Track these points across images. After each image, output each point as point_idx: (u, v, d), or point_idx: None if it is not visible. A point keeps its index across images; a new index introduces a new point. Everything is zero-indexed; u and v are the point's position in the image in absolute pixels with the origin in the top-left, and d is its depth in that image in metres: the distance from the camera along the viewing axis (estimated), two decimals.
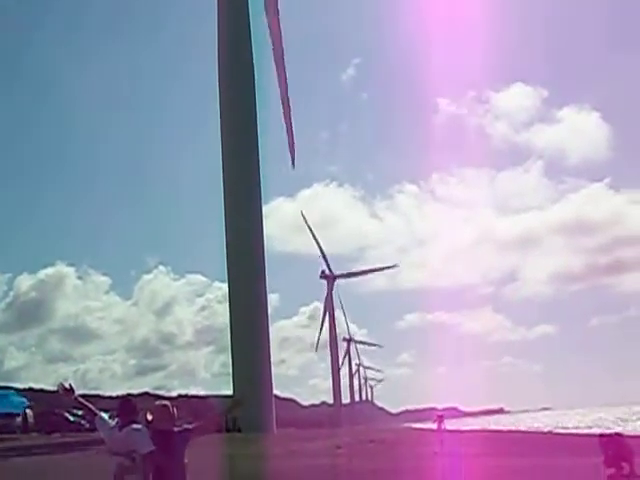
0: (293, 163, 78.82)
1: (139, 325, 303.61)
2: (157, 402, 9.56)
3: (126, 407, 9.07)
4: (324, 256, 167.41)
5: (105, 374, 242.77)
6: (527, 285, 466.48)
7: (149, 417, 9.17)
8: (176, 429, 9.01)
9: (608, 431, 19.78)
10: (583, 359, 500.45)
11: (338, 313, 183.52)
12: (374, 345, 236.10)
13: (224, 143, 70.15)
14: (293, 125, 76.84)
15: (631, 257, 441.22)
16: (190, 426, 9.12)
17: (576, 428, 62.68)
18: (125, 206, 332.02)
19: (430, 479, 19.18)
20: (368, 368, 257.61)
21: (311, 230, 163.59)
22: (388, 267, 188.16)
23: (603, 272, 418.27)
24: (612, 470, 18.53)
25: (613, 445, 19.05)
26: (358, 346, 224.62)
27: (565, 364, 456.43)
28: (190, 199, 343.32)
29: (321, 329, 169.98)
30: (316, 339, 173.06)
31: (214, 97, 71.52)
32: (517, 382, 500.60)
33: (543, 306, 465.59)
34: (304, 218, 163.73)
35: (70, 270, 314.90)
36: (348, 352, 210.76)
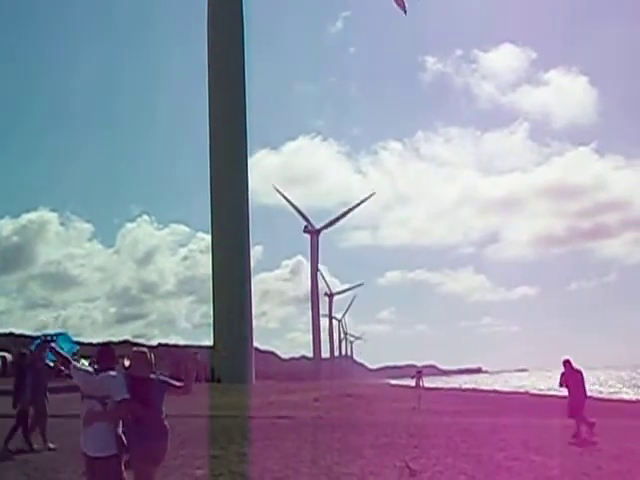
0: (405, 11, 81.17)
1: (121, 273, 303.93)
2: (135, 349, 9.49)
3: (105, 353, 9.00)
4: (303, 216, 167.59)
5: (86, 321, 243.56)
6: (509, 247, 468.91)
7: (126, 363, 9.15)
8: (154, 377, 8.96)
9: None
10: (562, 322, 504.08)
11: (320, 267, 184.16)
12: (353, 288, 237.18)
13: (211, 94, 69.66)
14: None
15: (613, 223, 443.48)
16: (173, 382, 9.05)
17: (549, 390, 63.23)
18: (111, 154, 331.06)
19: (407, 434, 19.27)
20: (352, 336, 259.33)
21: (287, 200, 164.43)
22: (366, 199, 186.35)
23: (585, 236, 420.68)
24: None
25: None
26: (340, 303, 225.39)
27: (544, 326, 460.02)
28: (176, 150, 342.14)
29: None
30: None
31: (202, 47, 70.97)
32: (496, 343, 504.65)
33: (524, 268, 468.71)
34: (278, 191, 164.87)
35: (53, 216, 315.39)
36: (329, 307, 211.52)
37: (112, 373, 8.65)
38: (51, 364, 15.02)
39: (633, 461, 15.31)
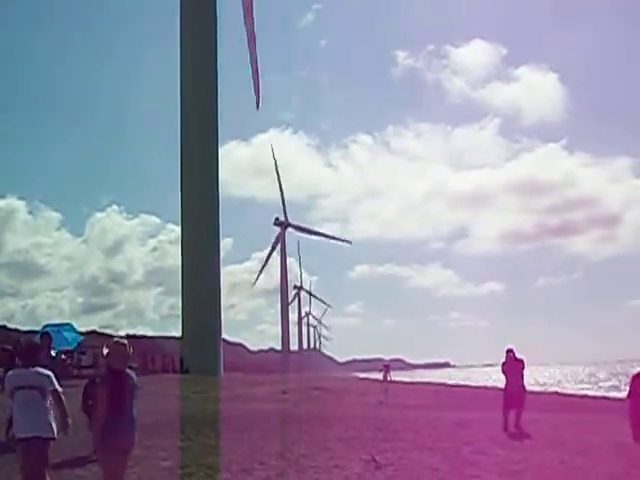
0: (258, 105, 78.10)
1: (89, 263, 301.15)
2: (116, 340, 9.57)
3: (30, 351, 9.73)
4: (283, 203, 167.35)
5: (53, 311, 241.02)
6: (477, 242, 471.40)
7: (105, 351, 9.24)
8: (129, 372, 9.14)
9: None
10: (529, 318, 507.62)
11: (290, 260, 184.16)
12: (324, 303, 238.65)
13: (183, 84, 69.31)
14: (259, 66, 75.81)
15: (581, 219, 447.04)
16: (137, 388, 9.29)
17: None
18: (81, 142, 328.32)
19: (374, 427, 19.37)
20: (320, 323, 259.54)
21: (278, 173, 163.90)
22: (343, 240, 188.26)
23: (553, 233, 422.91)
24: None
25: None
26: (308, 293, 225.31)
27: (511, 322, 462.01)
28: (148, 140, 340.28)
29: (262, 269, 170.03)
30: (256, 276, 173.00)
31: (174, 38, 70.58)
32: (463, 337, 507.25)
33: (492, 263, 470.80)
34: (273, 155, 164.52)
35: (20, 204, 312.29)
36: (298, 300, 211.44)
37: (42, 370, 9.39)
38: (54, 355, 14.99)
39: (597, 456, 15.50)
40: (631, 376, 10.15)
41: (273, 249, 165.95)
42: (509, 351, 21.12)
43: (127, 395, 8.94)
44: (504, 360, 21.21)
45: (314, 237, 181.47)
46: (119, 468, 9.02)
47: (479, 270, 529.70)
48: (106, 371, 9.08)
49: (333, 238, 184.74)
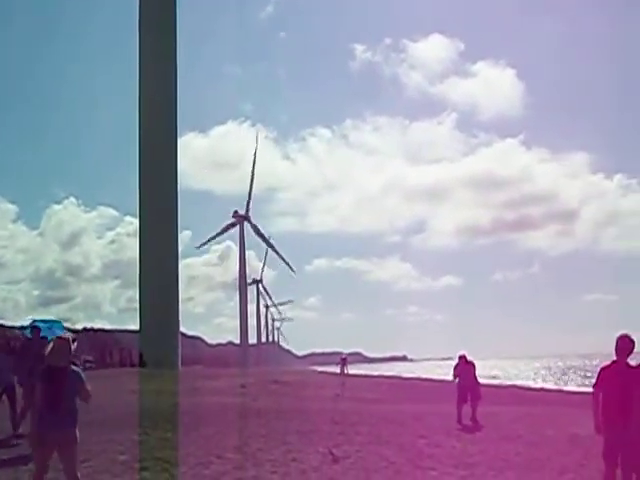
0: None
1: (45, 256, 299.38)
2: (60, 336, 9.56)
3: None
4: (249, 197, 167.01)
5: (8, 304, 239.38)
6: (435, 236, 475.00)
7: (48, 348, 9.21)
8: (74, 368, 9.13)
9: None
10: (486, 312, 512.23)
11: (249, 254, 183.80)
12: (284, 304, 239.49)
13: (142, 75, 68.93)
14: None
15: (538, 215, 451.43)
16: (84, 388, 9.18)
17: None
18: (39, 135, 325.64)
19: (331, 421, 19.44)
20: (276, 309, 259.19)
21: (254, 168, 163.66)
22: (290, 267, 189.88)
23: (510, 228, 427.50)
24: None
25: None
26: (267, 288, 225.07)
27: (468, 316, 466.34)
28: (106, 132, 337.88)
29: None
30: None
31: (134, 29, 70.15)
32: (421, 331, 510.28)
33: (449, 258, 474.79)
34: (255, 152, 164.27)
35: None
36: (257, 293, 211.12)
37: None
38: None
39: (552, 448, 15.69)
40: (599, 368, 10.28)
41: (219, 235, 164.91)
42: (461, 357, 22.02)
43: (64, 391, 8.91)
44: (456, 364, 21.98)
45: (264, 245, 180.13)
46: (66, 463, 9.00)
47: (437, 264, 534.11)
48: (45, 367, 9.08)
49: (283, 259, 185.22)
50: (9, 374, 16.64)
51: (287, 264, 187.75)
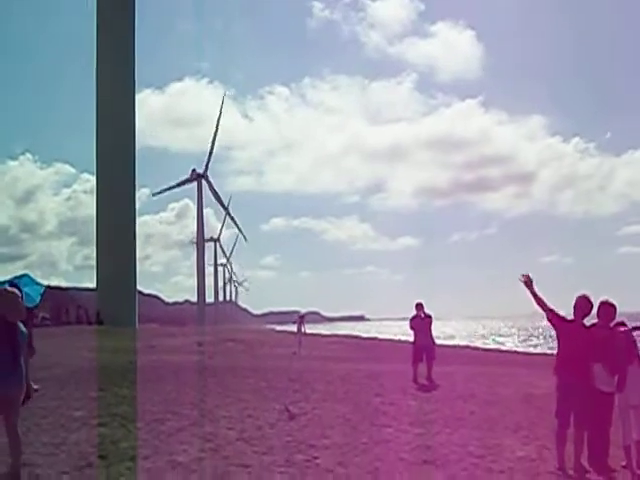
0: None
1: None
2: (7, 289, 9.40)
3: None
4: (210, 156, 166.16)
5: None
6: (393, 196, 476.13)
7: None
8: (20, 326, 8.96)
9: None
10: (443, 273, 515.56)
11: (207, 211, 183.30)
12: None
13: (99, 30, 68.04)
14: None
15: (495, 176, 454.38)
16: (30, 345, 9.07)
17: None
18: None
19: (287, 379, 19.51)
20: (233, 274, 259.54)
21: (217, 127, 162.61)
22: (243, 235, 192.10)
23: (468, 189, 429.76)
24: None
25: None
26: (224, 247, 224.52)
27: (425, 276, 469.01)
28: (64, 88, 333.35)
29: None
30: None
31: None
32: (378, 291, 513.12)
33: (407, 218, 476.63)
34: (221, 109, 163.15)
35: None
36: (215, 252, 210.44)
37: None
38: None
39: (505, 407, 15.89)
40: (561, 317, 10.43)
41: (176, 186, 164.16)
42: (418, 305, 21.52)
43: (13, 348, 8.73)
44: (413, 314, 21.62)
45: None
46: (9, 422, 8.86)
47: (395, 224, 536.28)
48: None
49: (236, 225, 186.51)
50: None
51: (239, 230, 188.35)
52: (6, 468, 8.83)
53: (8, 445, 8.84)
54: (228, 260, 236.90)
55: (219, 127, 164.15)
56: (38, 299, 14.02)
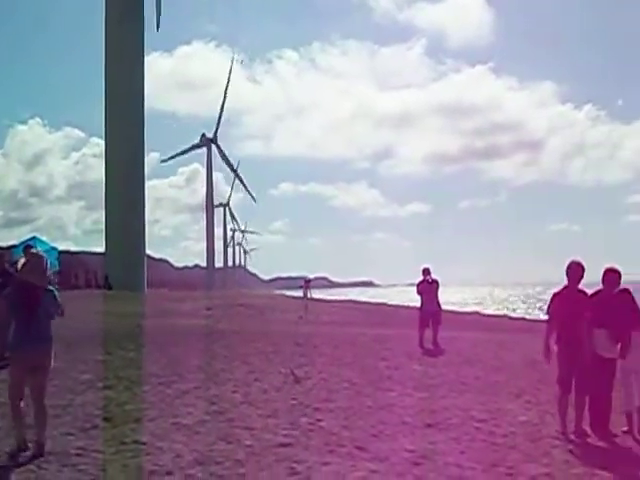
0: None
1: (8, 176, 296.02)
2: (33, 252, 9.35)
3: None
4: (219, 120, 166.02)
5: None
6: (402, 163, 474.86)
7: (20, 264, 9.03)
8: (49, 288, 8.91)
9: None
10: (452, 239, 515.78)
11: (217, 176, 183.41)
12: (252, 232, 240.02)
13: None
14: None
15: (506, 143, 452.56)
16: (59, 307, 8.99)
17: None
18: (2, 55, 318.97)
19: (294, 343, 19.61)
20: (246, 232, 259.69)
21: (227, 89, 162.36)
22: (251, 196, 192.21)
23: (478, 156, 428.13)
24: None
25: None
26: (234, 211, 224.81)
27: (434, 243, 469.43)
28: (72, 52, 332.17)
29: None
30: None
31: None
32: (387, 257, 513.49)
33: (417, 185, 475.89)
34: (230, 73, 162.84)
35: None
36: (224, 216, 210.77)
37: None
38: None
39: (510, 373, 15.94)
40: (552, 294, 10.44)
41: (185, 152, 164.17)
42: (425, 270, 21.47)
43: (38, 311, 8.64)
44: (420, 280, 21.58)
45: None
46: (36, 384, 8.80)
47: (404, 191, 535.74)
48: (17, 283, 8.77)
49: (245, 187, 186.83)
50: None
51: (249, 192, 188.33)
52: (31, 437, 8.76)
53: (34, 415, 8.85)
54: (239, 227, 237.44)
55: (227, 92, 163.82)
56: (57, 264, 14.05)
